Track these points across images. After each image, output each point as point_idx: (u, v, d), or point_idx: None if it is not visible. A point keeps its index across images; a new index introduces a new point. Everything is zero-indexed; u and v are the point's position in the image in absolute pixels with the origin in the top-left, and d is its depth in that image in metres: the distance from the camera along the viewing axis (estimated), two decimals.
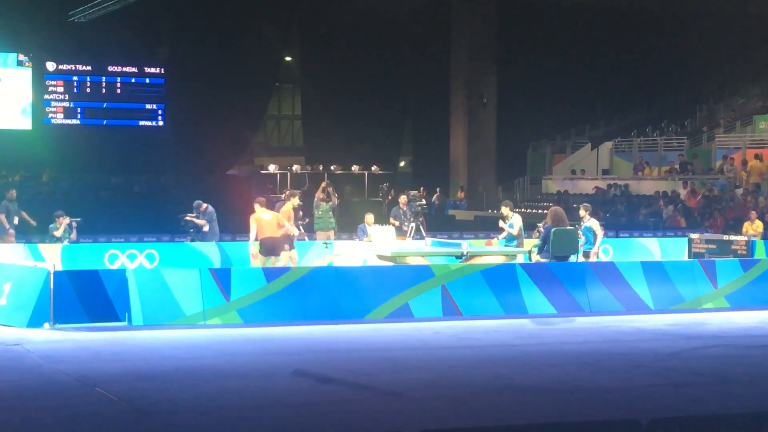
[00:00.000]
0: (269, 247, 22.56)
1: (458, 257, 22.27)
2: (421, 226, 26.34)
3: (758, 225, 29.60)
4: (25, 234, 27.00)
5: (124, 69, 46.78)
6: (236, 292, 18.11)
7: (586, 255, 22.53)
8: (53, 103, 45.70)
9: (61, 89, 45.77)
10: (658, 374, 13.82)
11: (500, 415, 11.50)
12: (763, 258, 25.00)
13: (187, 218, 25.93)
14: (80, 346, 15.75)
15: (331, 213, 27.41)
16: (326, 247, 25.44)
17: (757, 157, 40.21)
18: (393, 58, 51.83)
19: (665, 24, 49.98)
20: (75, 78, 46.04)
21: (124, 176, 45.19)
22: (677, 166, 42.84)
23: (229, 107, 48.00)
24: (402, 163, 57.38)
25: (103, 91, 46.43)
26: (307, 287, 18.60)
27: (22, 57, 44.71)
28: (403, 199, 27.23)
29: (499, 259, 22.31)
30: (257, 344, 16.10)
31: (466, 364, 14.52)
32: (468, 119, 50.26)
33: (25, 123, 45.16)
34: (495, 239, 25.14)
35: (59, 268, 20.24)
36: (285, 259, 23.09)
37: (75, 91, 45.99)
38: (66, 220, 25.75)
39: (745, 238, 26.67)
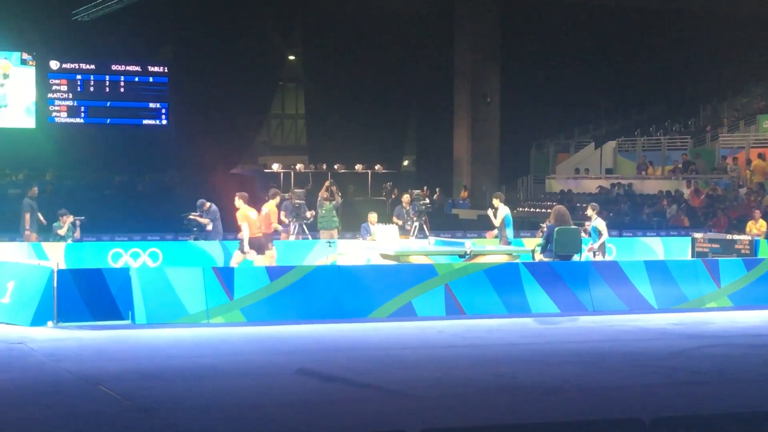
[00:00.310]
0: (257, 246, 22.56)
1: (461, 256, 22.28)
2: (424, 225, 26.38)
3: (762, 224, 29.57)
4: (38, 233, 26.93)
5: (128, 68, 46.81)
6: (239, 290, 18.11)
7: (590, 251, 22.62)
8: (57, 102, 45.74)
9: (64, 88, 45.81)
10: (662, 373, 13.82)
11: (503, 414, 11.50)
12: (766, 257, 24.96)
13: (191, 217, 25.94)
14: (83, 344, 15.77)
15: (334, 212, 27.43)
16: (329, 246, 25.45)
17: (760, 156, 40.17)
18: (396, 57, 51.81)
19: (669, 23, 49.98)
20: (79, 77, 46.07)
21: (128, 175, 45.23)
22: (681, 166, 42.81)
23: (233, 106, 48.04)
24: (405, 162, 57.39)
25: (107, 89, 46.46)
26: (310, 286, 18.60)
27: (25, 56, 44.75)
28: (406, 198, 27.27)
29: (503, 258, 22.31)
30: (260, 343, 16.11)
31: (469, 363, 14.52)
32: (471, 118, 50.28)
33: (28, 121, 45.20)
34: (494, 231, 25.23)
35: (63, 266, 20.26)
36: (268, 258, 23.11)
37: (79, 89, 46.02)
38: (70, 219, 25.75)
39: (749, 238, 26.66)
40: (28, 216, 25.72)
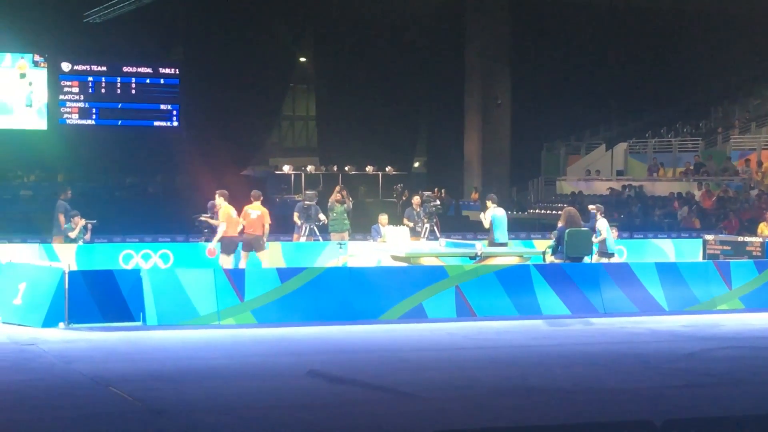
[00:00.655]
0: (229, 246, 22.67)
1: (472, 258, 22.28)
2: (435, 227, 26.38)
3: None
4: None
5: (139, 69, 46.84)
6: (250, 292, 18.13)
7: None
8: (68, 104, 45.78)
9: (76, 90, 45.85)
10: (673, 375, 13.81)
11: (513, 415, 11.50)
12: None
13: (202, 219, 25.95)
14: (95, 345, 15.80)
15: (345, 215, 27.44)
16: (340, 248, 25.46)
17: None
18: (407, 59, 51.74)
19: (680, 25, 49.89)
20: (90, 78, 46.12)
21: (139, 176, 45.27)
22: (692, 167, 42.75)
23: (244, 108, 48.05)
24: (416, 164, 57.36)
25: (118, 91, 46.49)
26: (321, 288, 18.62)
27: (37, 57, 44.83)
28: (416, 200, 27.27)
29: (513, 260, 22.31)
30: (271, 345, 16.13)
31: (480, 364, 14.52)
32: (482, 120, 50.23)
33: (40, 123, 45.27)
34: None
35: (74, 268, 20.27)
36: (265, 256, 23.36)
37: (90, 91, 46.07)
38: (81, 222, 25.76)
39: (760, 240, 26.59)
40: (62, 217, 25.65)
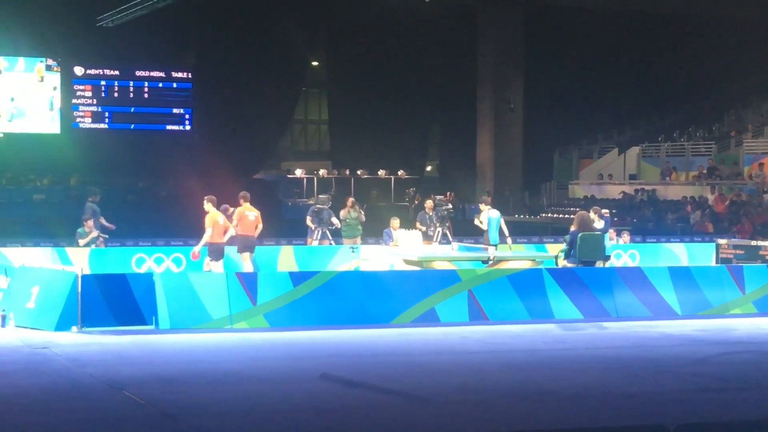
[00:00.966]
0: (217, 252, 22.71)
1: (485, 262, 22.26)
2: (447, 231, 26.38)
3: None
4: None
5: (152, 73, 46.94)
6: (263, 296, 18.14)
7: None
8: (81, 108, 45.89)
9: (89, 93, 45.96)
10: (686, 380, 13.78)
11: (526, 420, 11.48)
12: None
13: None
14: (107, 349, 15.82)
15: (358, 222, 27.49)
16: (352, 252, 25.46)
17: None
18: (420, 63, 51.77)
19: (693, 29, 49.80)
20: (103, 82, 46.23)
21: (151, 180, 45.33)
22: (705, 171, 42.67)
23: (256, 112, 48.11)
24: (429, 168, 57.37)
25: (131, 95, 46.60)
26: (333, 291, 18.62)
27: (50, 62, 44.93)
28: (429, 204, 27.27)
29: (526, 264, 22.28)
30: (283, 348, 16.13)
31: (492, 369, 14.50)
32: (495, 124, 50.20)
33: (53, 127, 45.37)
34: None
35: (87, 271, 20.31)
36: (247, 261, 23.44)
37: (103, 95, 46.17)
38: (94, 233, 25.75)
39: None
40: (91, 222, 25.62)
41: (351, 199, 28.26)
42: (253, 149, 49.34)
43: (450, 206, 27.68)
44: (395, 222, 26.25)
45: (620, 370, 14.42)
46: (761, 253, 25.92)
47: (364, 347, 16.39)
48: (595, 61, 49.97)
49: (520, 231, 36.04)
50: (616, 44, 50.35)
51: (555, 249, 24.27)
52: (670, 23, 49.97)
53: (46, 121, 45.11)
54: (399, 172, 51.02)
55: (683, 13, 49.38)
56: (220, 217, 22.83)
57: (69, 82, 45.43)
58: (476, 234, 33.59)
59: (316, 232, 27.00)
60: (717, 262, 26.71)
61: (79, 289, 17.38)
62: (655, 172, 45.68)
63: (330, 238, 26.87)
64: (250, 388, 12.87)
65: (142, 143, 45.85)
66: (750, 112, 48.65)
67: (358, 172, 50.66)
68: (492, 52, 49.96)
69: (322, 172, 51.00)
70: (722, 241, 27.77)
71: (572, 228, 21.69)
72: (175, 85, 47.29)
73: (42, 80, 44.70)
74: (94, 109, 46.04)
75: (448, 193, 43.88)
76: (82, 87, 45.88)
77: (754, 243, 27.08)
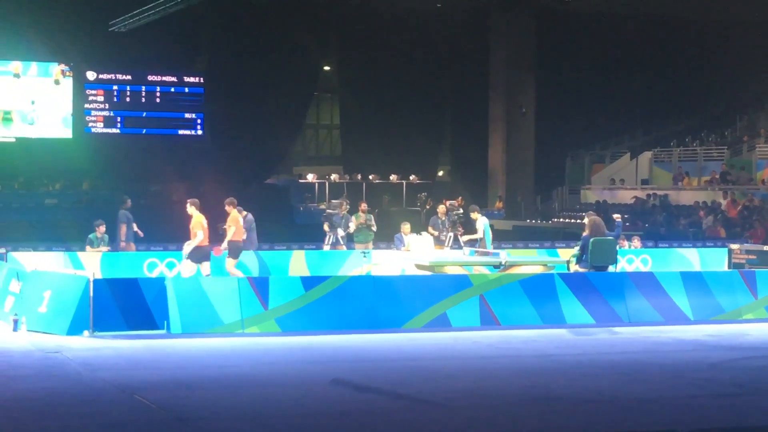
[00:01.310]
0: (202, 255, 22.79)
1: (496, 267, 22.24)
2: (458, 236, 26.37)
3: None
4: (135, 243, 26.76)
5: (164, 78, 47.02)
6: (274, 300, 18.15)
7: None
8: (93, 112, 45.97)
9: (101, 98, 46.05)
10: (698, 385, 13.74)
11: (538, 425, 11.47)
12: None
13: (225, 227, 26.00)
14: (119, 353, 15.84)
15: (370, 227, 27.51)
16: (364, 257, 25.47)
17: None
18: (432, 68, 51.79)
19: (705, 33, 49.71)
20: (115, 87, 46.32)
21: (163, 185, 45.37)
22: (718, 176, 42.60)
23: (268, 116, 48.14)
24: (440, 173, 57.34)
25: (143, 100, 46.68)
26: (345, 296, 18.62)
27: (63, 66, 45.04)
28: (441, 209, 27.28)
29: (538, 269, 22.26)
30: (295, 353, 16.13)
31: (504, 373, 14.49)
32: (507, 129, 50.15)
33: (65, 132, 45.48)
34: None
35: (99, 276, 20.36)
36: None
37: (115, 100, 46.26)
38: (103, 228, 25.77)
39: None
40: (124, 228, 25.57)
41: (364, 205, 28.26)
42: (264, 154, 49.37)
43: (461, 211, 27.66)
44: (406, 227, 26.26)
45: (632, 375, 14.39)
46: None
47: (376, 352, 16.39)
48: (607, 65, 49.91)
49: (531, 236, 36.07)
50: (628, 49, 50.28)
51: (567, 254, 24.23)
52: (683, 28, 49.87)
53: (59, 126, 45.18)
54: (411, 177, 51.02)
55: (695, 17, 49.28)
56: (204, 220, 22.89)
57: (81, 86, 45.53)
58: None
59: (328, 236, 27.03)
60: (729, 267, 26.66)
61: (91, 294, 17.41)
62: (668, 177, 45.61)
63: (341, 242, 26.87)
64: (261, 393, 12.87)
65: (153, 148, 45.91)
66: (762, 117, 48.54)
67: (370, 177, 50.66)
68: (504, 56, 49.94)
69: (333, 176, 51.00)
70: (735, 246, 27.71)
71: (584, 233, 21.67)
72: (187, 89, 47.35)
73: (57, 83, 44.79)
74: (106, 113, 46.12)
75: (459, 198, 43.86)
76: (94, 92, 45.96)
77: (766, 248, 27.02)
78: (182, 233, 24.28)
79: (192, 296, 17.91)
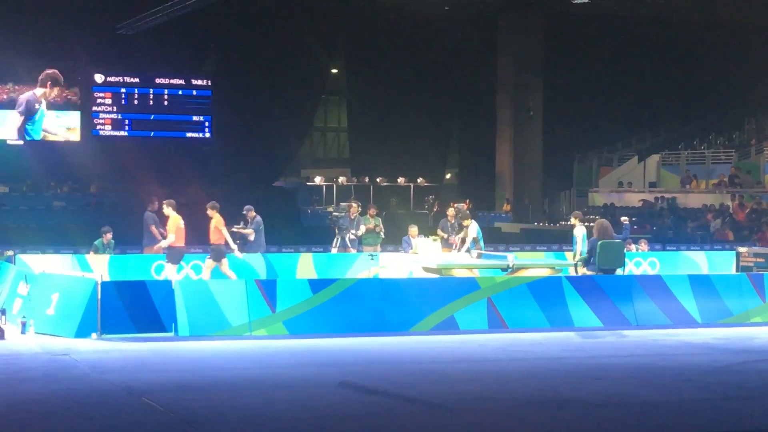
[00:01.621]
0: (177, 256, 22.78)
1: (504, 270, 22.23)
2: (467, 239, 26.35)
3: None
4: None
5: (172, 81, 47.04)
6: (282, 303, 18.15)
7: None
8: (101, 115, 46.02)
9: (109, 101, 46.08)
10: (706, 389, 13.72)
11: (545, 428, 11.46)
12: None
13: (234, 230, 26.04)
14: (127, 356, 15.85)
15: (379, 230, 27.51)
16: (371, 259, 25.46)
17: None
18: (439, 71, 51.78)
19: (712, 36, 49.65)
20: (123, 90, 46.36)
21: (171, 187, 45.32)
22: (726, 179, 42.54)
23: (276, 119, 48.16)
24: (448, 176, 57.35)
25: (151, 103, 46.71)
26: (352, 299, 18.62)
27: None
28: (451, 212, 27.31)
29: (545, 272, 22.24)
30: (303, 356, 16.14)
31: (512, 376, 14.48)
32: (514, 132, 50.12)
33: (73, 135, 45.53)
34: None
35: (106, 278, 20.37)
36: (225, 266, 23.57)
37: (123, 102, 46.30)
38: (109, 236, 25.77)
39: None
40: (154, 228, 25.50)
41: (372, 210, 28.22)
42: (272, 156, 49.37)
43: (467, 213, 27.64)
44: (413, 230, 26.25)
45: (640, 378, 14.37)
46: None
47: (383, 355, 16.39)
48: (615, 68, 49.89)
49: (539, 239, 36.06)
50: (635, 51, 50.25)
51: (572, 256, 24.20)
52: (691, 30, 49.82)
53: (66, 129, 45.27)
54: (418, 180, 51.00)
55: (703, 20, 49.24)
56: (181, 222, 22.86)
57: (89, 89, 45.58)
58: (496, 241, 33.68)
59: (336, 239, 27.05)
60: (737, 270, 26.60)
61: (99, 296, 17.43)
62: (675, 180, 45.57)
63: (349, 245, 26.86)
64: (268, 396, 12.87)
65: (161, 151, 45.91)
66: None
67: (378, 180, 50.66)
68: (511, 59, 49.91)
69: (341, 179, 51.01)
70: (743, 249, 27.65)
71: (592, 235, 21.66)
72: (194, 92, 47.38)
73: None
74: (114, 116, 46.15)
75: (468, 201, 43.90)
76: (102, 94, 46.01)
77: None
78: (190, 235, 24.31)
79: (200, 299, 17.92)
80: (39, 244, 28.01)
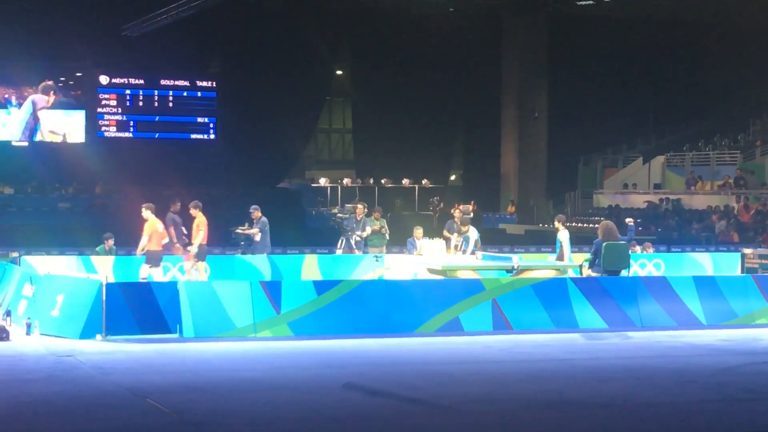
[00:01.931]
0: (155, 259, 22.76)
1: (509, 271, 22.22)
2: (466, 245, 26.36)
3: None
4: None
5: (176, 83, 47.11)
6: (287, 304, 18.15)
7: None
8: (106, 116, 46.09)
9: (114, 102, 46.17)
10: (711, 390, 13.71)
11: (550, 429, 11.46)
12: None
13: (238, 231, 26.05)
14: (132, 357, 15.86)
15: (384, 232, 27.52)
16: (376, 261, 25.46)
17: None
18: (444, 72, 51.78)
19: (717, 37, 49.62)
20: (128, 91, 46.44)
21: (176, 189, 45.34)
22: (731, 181, 42.51)
23: (280, 120, 48.20)
24: (453, 177, 57.34)
25: (156, 104, 46.78)
26: (357, 300, 18.62)
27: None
28: (458, 213, 27.29)
29: (550, 274, 22.23)
30: (307, 357, 16.13)
31: (517, 378, 14.47)
32: (519, 133, 50.12)
33: (78, 136, 45.57)
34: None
35: (111, 280, 20.38)
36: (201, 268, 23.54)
37: (128, 104, 46.37)
38: (111, 242, 25.76)
39: None
40: (173, 230, 25.46)
41: (377, 213, 28.20)
42: (277, 158, 49.41)
43: (472, 215, 27.68)
44: (418, 231, 26.25)
45: (645, 379, 14.36)
46: None
47: (388, 356, 16.38)
48: (620, 69, 49.89)
49: (544, 240, 35.98)
50: (640, 53, 50.25)
51: (579, 258, 24.21)
52: (695, 31, 49.80)
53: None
54: (423, 181, 50.99)
55: (708, 21, 49.22)
56: (159, 225, 22.84)
57: (94, 91, 45.63)
58: (501, 243, 33.69)
59: (341, 241, 27.05)
60: (742, 272, 26.61)
61: (104, 298, 17.44)
62: (680, 182, 45.54)
63: (353, 247, 26.85)
64: (273, 397, 12.87)
65: (166, 152, 45.95)
66: None
67: (382, 181, 50.66)
68: (516, 60, 49.92)
69: (346, 181, 51.00)
70: (748, 251, 27.68)
71: (597, 237, 21.65)
72: (199, 94, 47.45)
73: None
74: (119, 118, 46.24)
75: (472, 203, 43.85)
76: (107, 96, 46.08)
77: None
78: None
79: (204, 300, 17.92)
80: (44, 246, 28.03)
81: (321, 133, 60.35)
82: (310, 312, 18.24)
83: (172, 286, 18.40)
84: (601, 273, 20.98)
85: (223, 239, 28.11)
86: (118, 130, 46.25)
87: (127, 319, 17.60)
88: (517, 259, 22.95)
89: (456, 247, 25.25)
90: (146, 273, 22.70)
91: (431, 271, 22.61)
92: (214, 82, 47.76)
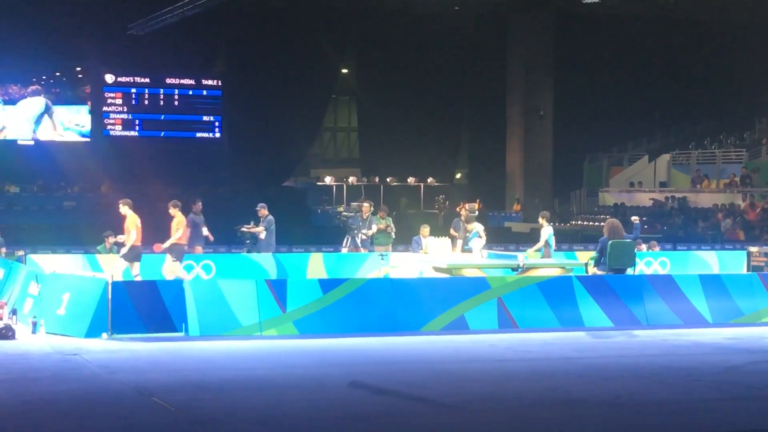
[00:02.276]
0: (134, 255, 22.70)
1: (514, 269, 22.20)
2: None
3: None
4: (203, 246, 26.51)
5: (182, 81, 47.12)
6: (292, 303, 18.15)
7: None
8: (112, 115, 46.12)
9: (119, 101, 46.19)
10: (717, 388, 13.70)
11: (556, 428, 11.45)
12: None
13: (244, 229, 26.05)
14: (137, 356, 15.87)
15: (390, 231, 27.50)
16: (382, 259, 25.45)
17: None
18: (449, 71, 51.80)
19: (723, 35, 49.57)
20: (133, 90, 46.46)
21: (181, 188, 45.41)
22: (737, 179, 42.45)
23: (286, 119, 48.20)
24: (458, 175, 57.34)
25: (161, 103, 46.80)
26: (363, 299, 18.61)
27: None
28: (464, 212, 27.25)
29: (556, 272, 22.22)
30: (313, 356, 16.14)
31: (522, 376, 14.47)
32: (524, 131, 50.09)
33: (83, 135, 45.62)
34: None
35: (117, 278, 20.39)
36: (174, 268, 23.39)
37: (133, 103, 46.40)
38: (112, 240, 25.76)
39: None
40: (187, 231, 25.33)
41: (382, 212, 28.17)
42: (282, 156, 49.42)
43: (476, 213, 27.64)
44: (424, 229, 26.22)
45: (650, 378, 14.36)
46: None
47: (394, 355, 16.38)
48: (625, 67, 49.84)
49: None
50: (646, 51, 50.20)
51: (585, 256, 24.20)
52: (701, 30, 49.74)
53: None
54: (428, 180, 51.00)
55: (714, 19, 49.15)
56: (138, 220, 22.76)
57: (100, 89, 45.67)
58: (506, 241, 33.66)
59: (346, 239, 27.04)
60: (748, 270, 26.56)
61: (110, 296, 17.45)
62: (686, 180, 45.48)
63: (359, 245, 26.84)
64: (279, 395, 12.88)
65: (172, 151, 45.98)
66: None
67: (388, 180, 50.67)
68: (522, 59, 49.89)
69: (351, 179, 51.03)
70: (754, 249, 27.62)
71: (603, 235, 21.63)
72: (205, 92, 47.47)
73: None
74: (124, 116, 46.27)
75: (478, 201, 43.81)
76: (112, 94, 46.11)
77: None
78: (200, 236, 24.32)
79: (210, 299, 17.93)
80: (50, 244, 28.05)
81: (326, 131, 60.39)
82: (316, 310, 18.24)
83: (178, 284, 18.41)
84: (606, 271, 20.97)
85: (228, 237, 28.11)
86: (123, 129, 46.29)
87: (132, 318, 17.60)
88: (523, 258, 22.95)
89: (463, 241, 25.23)
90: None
91: (437, 269, 22.60)
92: (220, 81, 47.78)
